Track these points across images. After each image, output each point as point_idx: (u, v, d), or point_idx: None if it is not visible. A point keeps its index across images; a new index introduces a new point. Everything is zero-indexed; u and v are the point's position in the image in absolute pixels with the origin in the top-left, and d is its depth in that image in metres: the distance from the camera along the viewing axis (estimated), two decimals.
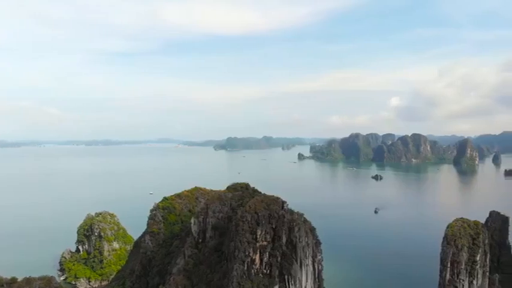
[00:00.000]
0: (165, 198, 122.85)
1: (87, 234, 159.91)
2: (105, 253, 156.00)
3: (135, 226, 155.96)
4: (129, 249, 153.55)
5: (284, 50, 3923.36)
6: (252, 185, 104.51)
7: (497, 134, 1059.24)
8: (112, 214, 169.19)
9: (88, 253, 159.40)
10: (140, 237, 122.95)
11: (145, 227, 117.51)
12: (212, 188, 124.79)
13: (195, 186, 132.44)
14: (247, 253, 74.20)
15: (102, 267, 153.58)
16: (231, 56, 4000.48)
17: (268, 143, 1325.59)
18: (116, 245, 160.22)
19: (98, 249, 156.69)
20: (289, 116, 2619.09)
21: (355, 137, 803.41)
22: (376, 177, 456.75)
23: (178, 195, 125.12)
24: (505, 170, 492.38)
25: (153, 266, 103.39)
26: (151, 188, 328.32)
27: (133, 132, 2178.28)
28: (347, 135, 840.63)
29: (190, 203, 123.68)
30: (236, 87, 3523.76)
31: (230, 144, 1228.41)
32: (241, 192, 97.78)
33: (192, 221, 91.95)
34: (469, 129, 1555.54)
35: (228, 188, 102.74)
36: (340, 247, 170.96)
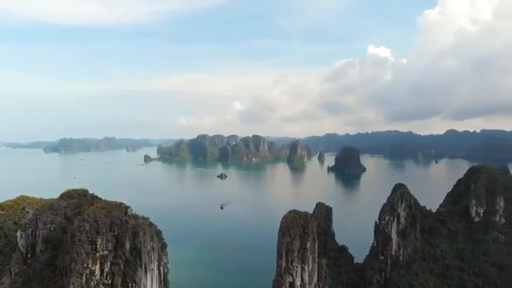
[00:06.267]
0: None
1: None
2: None
3: None
4: None
5: (129, 46, 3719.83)
6: (91, 191, 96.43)
7: (321, 135, 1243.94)
8: None
9: None
10: None
11: None
12: (42, 197, 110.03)
13: (21, 195, 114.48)
14: (85, 265, 69.23)
15: None
16: (67, 48, 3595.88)
17: (110, 144, 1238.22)
18: None
19: None
20: (134, 116, 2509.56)
21: (202, 138, 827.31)
22: (221, 176, 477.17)
23: None
24: (328, 167, 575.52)
25: None
26: None
27: None
28: (195, 136, 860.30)
29: (15, 214, 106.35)
30: (72, 83, 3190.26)
31: (64, 146, 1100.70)
32: (78, 199, 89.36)
33: (19, 234, 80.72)
34: (299, 131, 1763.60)
35: (61, 195, 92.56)
36: (187, 246, 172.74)
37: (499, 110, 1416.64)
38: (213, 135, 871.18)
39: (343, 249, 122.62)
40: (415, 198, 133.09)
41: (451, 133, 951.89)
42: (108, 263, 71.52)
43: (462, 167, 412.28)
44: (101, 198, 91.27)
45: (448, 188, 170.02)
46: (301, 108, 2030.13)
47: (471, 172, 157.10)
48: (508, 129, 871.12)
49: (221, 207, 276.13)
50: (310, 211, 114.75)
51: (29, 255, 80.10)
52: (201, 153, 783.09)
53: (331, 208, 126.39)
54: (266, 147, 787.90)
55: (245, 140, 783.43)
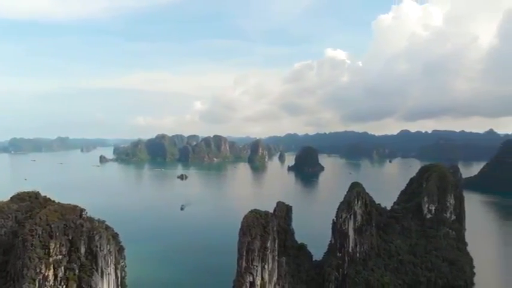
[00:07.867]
0: None
1: None
2: None
3: None
4: None
5: (83, 43, 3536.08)
6: (44, 193, 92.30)
7: (282, 135, 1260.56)
8: None
9: None
10: None
11: None
12: None
13: None
14: (38, 270, 66.51)
15: None
16: (16, 43, 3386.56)
17: (63, 144, 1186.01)
18: None
19: None
20: (89, 115, 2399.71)
21: (161, 137, 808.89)
22: (182, 177, 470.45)
23: None
24: (288, 166, 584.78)
25: None
26: None
27: None
28: (153, 136, 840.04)
29: None
30: (22, 80, 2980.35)
31: (15, 146, 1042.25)
32: (30, 202, 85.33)
33: None
34: (261, 131, 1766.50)
35: (11, 198, 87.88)
36: (146, 248, 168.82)
37: (449, 111, 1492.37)
38: (173, 135, 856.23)
39: (302, 247, 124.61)
40: (371, 196, 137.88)
41: (404, 133, 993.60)
42: (62, 267, 68.93)
43: (414, 166, 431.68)
44: (54, 201, 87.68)
45: (401, 186, 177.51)
46: (262, 109, 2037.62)
47: (423, 171, 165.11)
48: (457, 130, 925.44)
49: (181, 208, 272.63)
50: (271, 210, 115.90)
51: None
52: (160, 153, 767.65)
53: (291, 207, 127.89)
54: (227, 147, 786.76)
55: (206, 140, 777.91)
